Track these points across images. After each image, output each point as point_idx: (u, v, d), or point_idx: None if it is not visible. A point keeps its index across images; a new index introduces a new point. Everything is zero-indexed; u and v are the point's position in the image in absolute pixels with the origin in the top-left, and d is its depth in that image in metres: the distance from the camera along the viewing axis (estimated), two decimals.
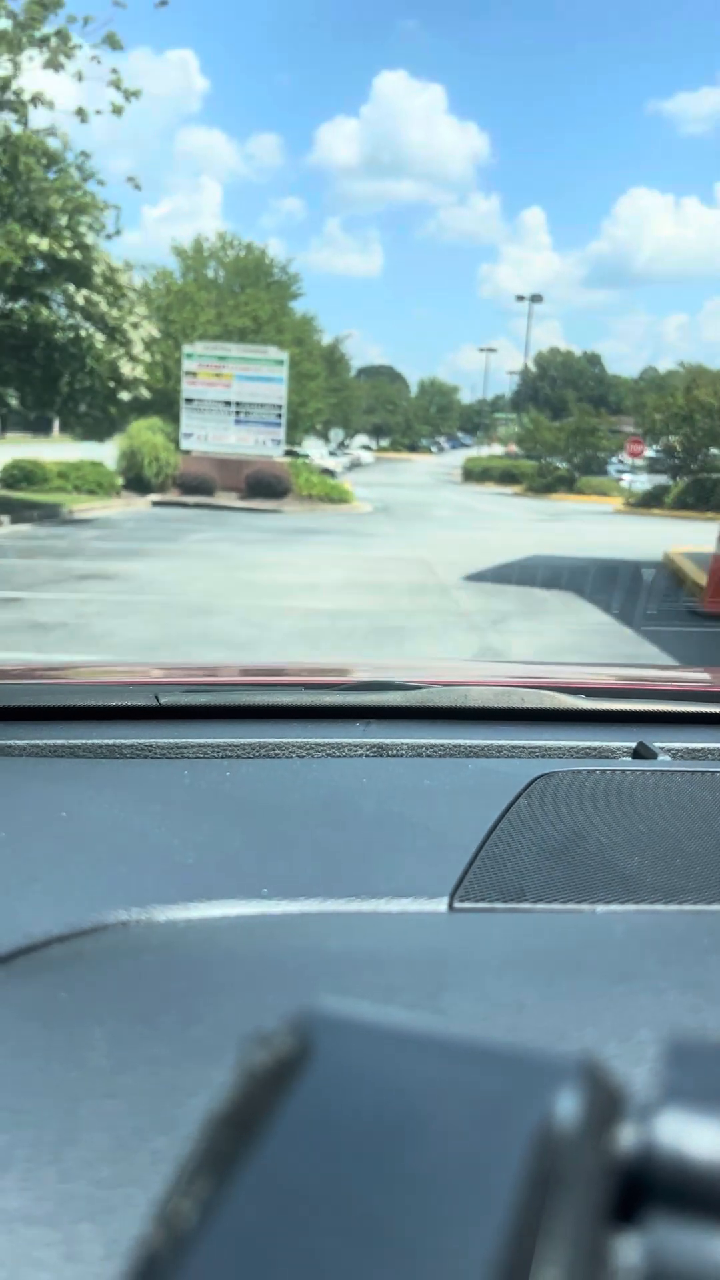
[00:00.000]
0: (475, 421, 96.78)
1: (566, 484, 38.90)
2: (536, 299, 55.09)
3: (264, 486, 26.40)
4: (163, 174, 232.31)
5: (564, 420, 41.85)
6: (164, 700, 1.16)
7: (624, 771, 0.98)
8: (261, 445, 27.65)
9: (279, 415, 27.81)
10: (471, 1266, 0.21)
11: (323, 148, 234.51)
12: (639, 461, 32.43)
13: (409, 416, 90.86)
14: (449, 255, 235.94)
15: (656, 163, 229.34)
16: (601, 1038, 0.53)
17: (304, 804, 0.91)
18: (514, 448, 55.16)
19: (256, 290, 41.40)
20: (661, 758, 1.06)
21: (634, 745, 1.10)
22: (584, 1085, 0.26)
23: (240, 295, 41.12)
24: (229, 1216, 0.23)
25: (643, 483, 41.47)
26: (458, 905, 0.71)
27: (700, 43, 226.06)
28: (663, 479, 31.64)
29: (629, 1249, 0.23)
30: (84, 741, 1.04)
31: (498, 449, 71.18)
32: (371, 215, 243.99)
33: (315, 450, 47.14)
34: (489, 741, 1.09)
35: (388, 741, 1.08)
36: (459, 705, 1.21)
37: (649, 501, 29.25)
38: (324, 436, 49.14)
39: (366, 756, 1.06)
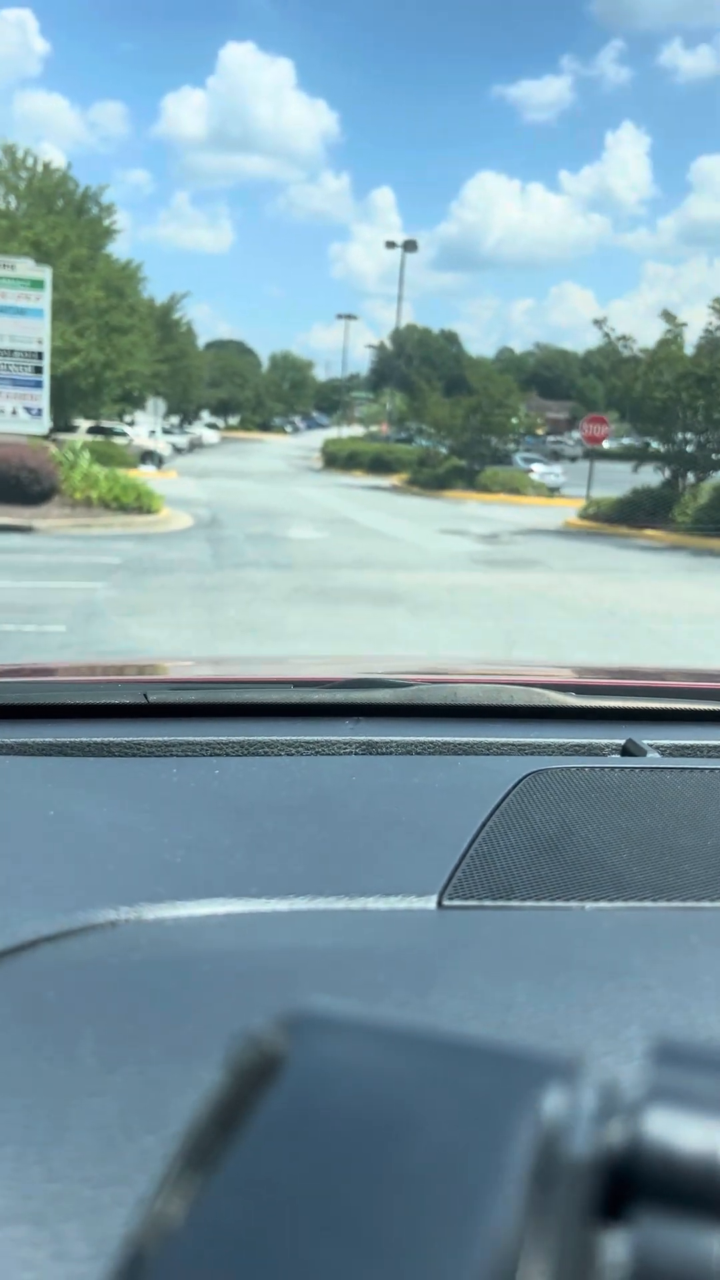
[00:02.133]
0: (333, 400, 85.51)
1: (464, 477, 28.05)
2: (410, 246, 44.23)
3: (9, 485, 14.87)
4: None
5: (460, 396, 31.01)
6: (152, 698, 1.12)
7: (613, 769, 0.95)
8: (8, 417, 15.89)
9: (38, 370, 16.07)
10: (458, 1263, 0.21)
11: (169, 119, 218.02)
12: (601, 447, 21.60)
13: (260, 392, 78.93)
14: (300, 233, 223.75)
15: (502, 148, 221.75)
16: (590, 1035, 0.52)
17: (293, 802, 0.88)
18: (385, 428, 44.20)
19: (52, 218, 29.46)
20: (650, 755, 1.03)
21: (623, 742, 1.07)
22: (572, 1082, 0.25)
23: (21, 219, 28.97)
24: (215, 1214, 0.22)
25: (555, 476, 30.91)
26: (447, 903, 0.69)
27: (543, 30, 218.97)
28: (638, 472, 20.66)
29: (616, 1245, 0.23)
30: (72, 739, 1.00)
31: (357, 430, 60.40)
32: (220, 190, 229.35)
33: (144, 427, 35.12)
34: (478, 739, 1.05)
35: (377, 739, 1.04)
36: (448, 703, 1.17)
37: (629, 514, 18.29)
38: (157, 411, 36.89)
39: (355, 754, 1.02)
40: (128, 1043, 0.50)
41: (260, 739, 1.01)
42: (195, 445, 48.77)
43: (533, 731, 1.10)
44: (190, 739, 1.00)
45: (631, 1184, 0.23)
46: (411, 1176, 0.23)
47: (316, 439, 54.90)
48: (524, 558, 13.48)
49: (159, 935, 0.63)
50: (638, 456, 20.10)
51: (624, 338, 18.60)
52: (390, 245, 44.53)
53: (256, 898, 0.68)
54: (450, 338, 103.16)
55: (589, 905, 0.69)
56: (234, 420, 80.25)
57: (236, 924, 0.65)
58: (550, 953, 0.62)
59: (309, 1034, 0.27)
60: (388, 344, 56.50)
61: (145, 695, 1.12)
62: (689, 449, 18.94)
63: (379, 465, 36.98)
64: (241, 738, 1.01)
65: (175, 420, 59.15)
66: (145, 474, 26.24)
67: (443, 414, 29.00)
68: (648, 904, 0.69)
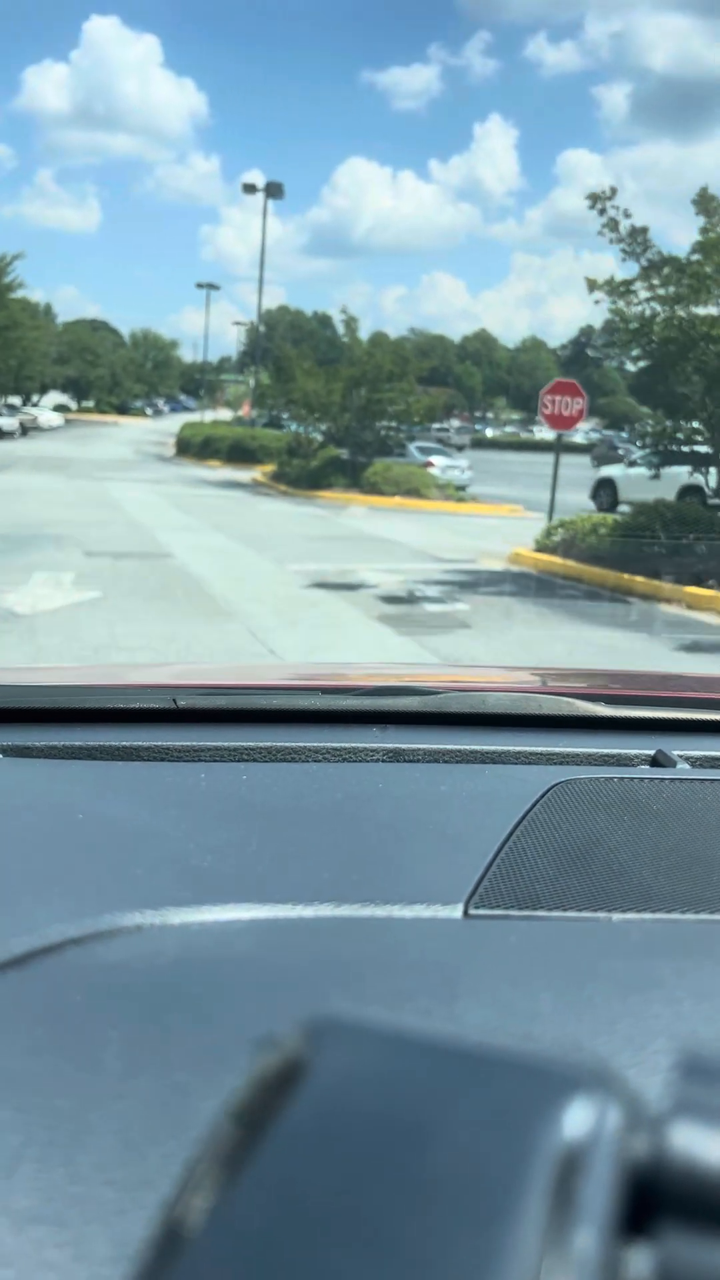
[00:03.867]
0: (197, 381, 76.51)
1: (346, 472, 20.45)
2: (275, 190, 35.98)
3: None
4: None
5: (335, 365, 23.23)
6: (181, 703, 1.08)
7: (642, 779, 0.92)
8: None
9: None
10: (478, 1275, 0.20)
11: (30, 92, 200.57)
12: (569, 434, 13.99)
13: (116, 371, 69.35)
14: (170, 215, 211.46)
15: (373, 134, 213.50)
16: (616, 1047, 0.51)
17: (320, 808, 0.85)
18: (248, 409, 36.13)
19: None
20: (680, 766, 0.99)
21: (652, 753, 1.02)
22: (597, 1095, 0.24)
23: None
24: (236, 1219, 0.22)
25: (460, 472, 23.61)
26: (473, 912, 0.67)
27: (411, 16, 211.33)
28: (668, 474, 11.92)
29: (640, 1260, 0.22)
30: (101, 743, 0.97)
31: (225, 414, 52.11)
32: (86, 168, 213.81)
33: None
34: (506, 748, 1.02)
35: (404, 746, 1.01)
36: (476, 711, 1.13)
37: (637, 549, 9.53)
38: None
39: (382, 761, 0.99)
40: (152, 1047, 0.49)
41: (288, 745, 0.98)
42: (30, 428, 40.19)
43: (561, 741, 1.06)
44: (218, 744, 0.98)
45: (655, 1198, 0.23)
46: (433, 1185, 0.22)
47: (179, 423, 46.76)
48: None
49: (184, 940, 0.61)
50: (664, 447, 10.93)
51: (639, 232, 9.76)
52: (249, 189, 36.35)
53: (282, 903, 0.66)
54: (324, 320, 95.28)
55: (616, 916, 0.66)
56: (90, 402, 70.74)
57: (262, 930, 0.63)
58: (576, 964, 0.60)
59: (332, 1041, 0.26)
60: (259, 324, 48.51)
61: (174, 700, 1.08)
62: None
63: (240, 454, 29.16)
64: (269, 743, 0.98)
65: (17, 401, 50.05)
66: None
67: (315, 387, 21.30)
68: (676, 916, 0.67)
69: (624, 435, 73.19)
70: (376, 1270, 0.20)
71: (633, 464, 20.73)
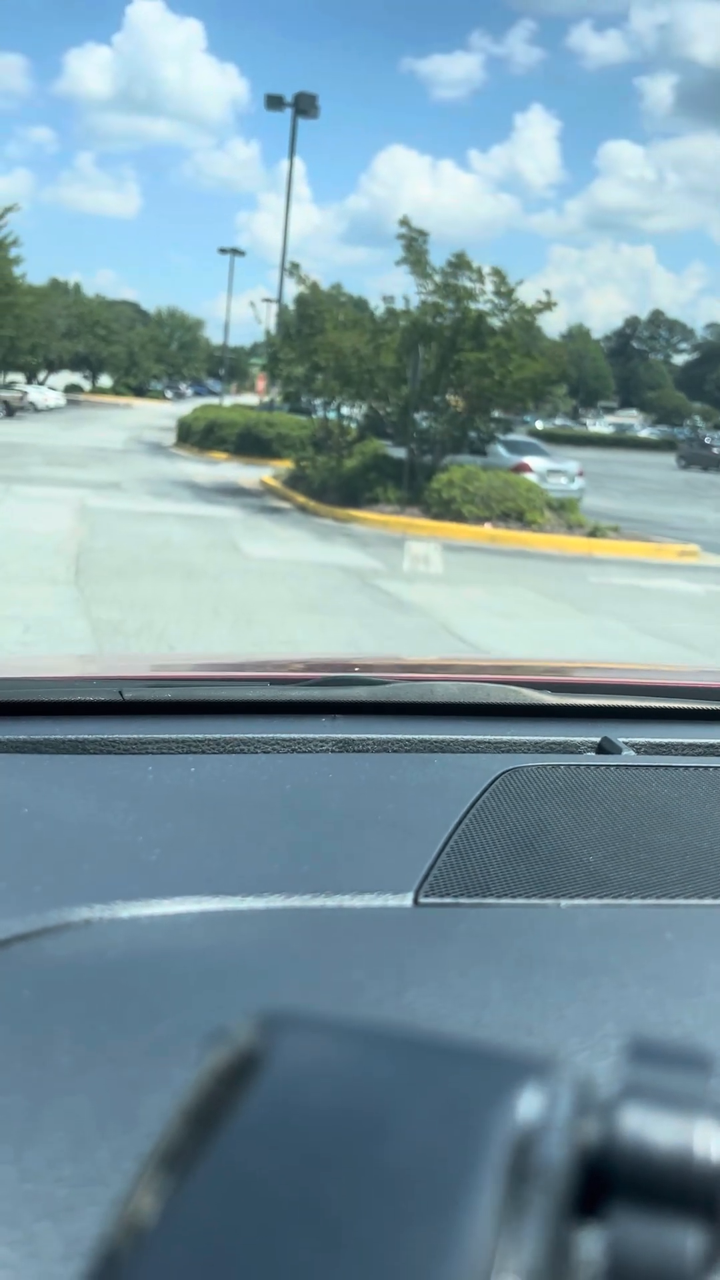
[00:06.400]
0: (216, 359, 68.20)
1: (398, 478, 12.27)
2: (307, 107, 27.78)
3: None
4: None
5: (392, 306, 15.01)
6: (128, 695, 1.03)
7: (588, 766, 0.91)
8: None
9: None
10: (434, 1263, 0.20)
11: (72, 76, 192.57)
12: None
13: (134, 349, 61.12)
14: (208, 201, 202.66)
15: (413, 123, 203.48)
16: (565, 1032, 0.50)
17: (269, 799, 0.83)
18: (262, 385, 27.84)
19: None
20: (625, 753, 0.98)
21: (598, 740, 1.01)
22: (547, 1081, 0.24)
23: None
24: (189, 1214, 0.21)
25: (567, 479, 15.39)
26: (423, 900, 0.65)
27: (455, 4, 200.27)
28: None
29: (591, 1242, 0.22)
30: (47, 737, 0.92)
31: (251, 399, 43.99)
32: (126, 153, 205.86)
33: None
34: (455, 737, 0.99)
35: (353, 737, 0.97)
36: (425, 700, 1.10)
37: None
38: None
39: (332, 752, 0.96)
40: (102, 1042, 0.47)
41: (237, 736, 0.94)
42: (16, 408, 32.45)
43: (509, 729, 1.02)
44: (166, 736, 0.93)
45: (606, 1181, 0.22)
46: (388, 1176, 0.22)
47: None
48: None
49: (134, 934, 0.59)
50: None
51: None
52: (274, 104, 28.06)
53: (232, 895, 0.64)
54: (360, 305, 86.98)
55: (564, 903, 0.65)
56: (106, 382, 62.70)
57: (212, 922, 0.61)
58: (526, 950, 0.59)
59: (285, 1033, 0.26)
60: (289, 304, 40.52)
61: (120, 692, 1.03)
62: None
63: (251, 444, 21.15)
64: (218, 735, 0.94)
65: (19, 378, 42.31)
66: None
67: (356, 344, 13.12)
68: (623, 901, 0.66)
69: (685, 431, 64.92)
70: (334, 1262, 0.20)
71: None
